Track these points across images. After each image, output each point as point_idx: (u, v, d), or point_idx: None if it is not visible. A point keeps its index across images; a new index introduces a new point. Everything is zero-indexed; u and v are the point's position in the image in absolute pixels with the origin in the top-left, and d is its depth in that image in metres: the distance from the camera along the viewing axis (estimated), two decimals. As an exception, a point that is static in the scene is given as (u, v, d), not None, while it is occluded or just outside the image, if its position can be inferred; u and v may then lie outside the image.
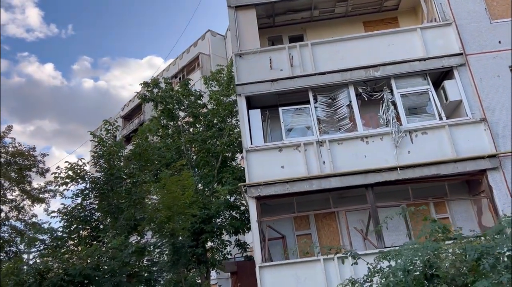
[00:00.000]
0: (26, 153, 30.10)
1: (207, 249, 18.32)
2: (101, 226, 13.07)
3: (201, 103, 21.80)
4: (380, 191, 10.22)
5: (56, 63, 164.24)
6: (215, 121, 21.74)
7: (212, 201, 18.02)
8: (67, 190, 13.10)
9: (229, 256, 20.08)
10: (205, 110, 22.07)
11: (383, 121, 10.49)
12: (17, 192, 30.26)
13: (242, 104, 10.86)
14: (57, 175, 12.85)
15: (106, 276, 11.62)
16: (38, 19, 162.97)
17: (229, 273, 24.15)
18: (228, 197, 19.29)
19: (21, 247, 30.65)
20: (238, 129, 22.09)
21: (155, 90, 21.86)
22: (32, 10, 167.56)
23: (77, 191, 13.34)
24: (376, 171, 9.85)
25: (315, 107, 10.71)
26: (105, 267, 11.44)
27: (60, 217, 12.87)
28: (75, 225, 13.04)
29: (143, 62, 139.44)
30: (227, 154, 21.15)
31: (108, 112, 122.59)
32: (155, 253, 13.04)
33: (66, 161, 13.91)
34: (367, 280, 5.86)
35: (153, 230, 13.13)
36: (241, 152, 22.50)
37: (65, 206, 13.05)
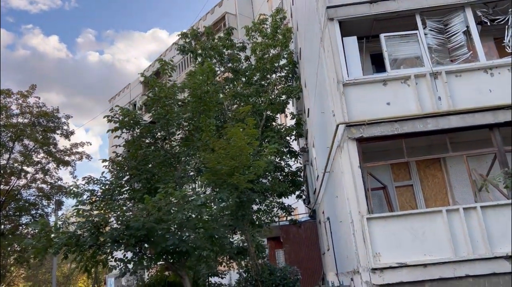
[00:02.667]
0: (50, 114, 28.53)
1: (253, 211, 16.82)
2: (156, 178, 11.48)
3: (244, 56, 19.88)
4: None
5: (60, 35, 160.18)
6: (255, 79, 19.85)
7: (257, 160, 16.34)
8: (119, 137, 11.44)
9: (276, 219, 18.64)
10: (246, 64, 20.18)
11: (509, 49, 8.60)
12: (42, 154, 28.88)
13: (335, 30, 8.93)
14: (110, 118, 11.14)
15: (170, 230, 10.08)
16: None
17: (266, 239, 22.79)
18: (272, 157, 17.69)
19: (48, 209, 29.49)
20: (283, 85, 20.29)
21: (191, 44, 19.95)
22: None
23: (130, 139, 11.71)
24: (506, 108, 8.04)
25: (425, 34, 8.81)
26: (169, 221, 9.88)
27: (112, 167, 11.31)
28: (127, 176, 11.48)
29: (147, 35, 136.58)
30: (269, 113, 19.40)
31: (115, 84, 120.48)
32: (216, 207, 11.39)
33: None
34: None
35: (214, 183, 11.50)
36: (283, 112, 20.77)
37: (118, 155, 11.44)
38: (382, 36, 8.87)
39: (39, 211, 28.27)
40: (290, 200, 20.84)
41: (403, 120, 8.20)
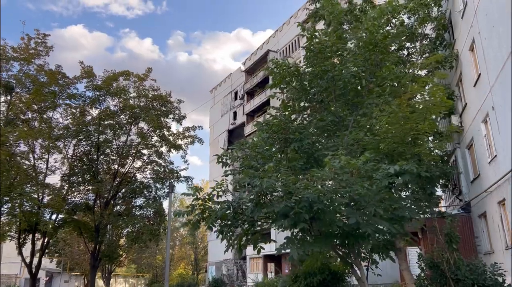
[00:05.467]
0: (164, 98, 28.34)
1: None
2: (318, 145, 9.41)
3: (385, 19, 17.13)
4: None
5: (153, 38, 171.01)
6: (392, 48, 16.96)
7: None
8: (277, 97, 9.57)
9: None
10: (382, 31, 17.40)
11: None
12: (155, 138, 28.89)
13: None
14: (272, 68, 9.33)
15: (350, 205, 7.94)
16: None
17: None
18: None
19: (160, 192, 29.39)
20: (428, 55, 17.20)
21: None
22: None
23: (286, 99, 9.83)
24: None
25: None
26: (349, 194, 7.72)
27: (267, 131, 9.49)
28: (282, 140, 9.58)
29: (232, 36, 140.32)
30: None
31: (203, 83, 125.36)
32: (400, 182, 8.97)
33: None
34: None
35: (388, 153, 9.15)
36: (424, 86, 17.60)
37: (272, 115, 9.58)
38: None
39: (152, 193, 28.31)
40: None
41: None
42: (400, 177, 8.35)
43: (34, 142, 24.66)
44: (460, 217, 16.80)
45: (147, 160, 27.85)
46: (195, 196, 8.24)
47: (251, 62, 44.31)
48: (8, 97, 23.81)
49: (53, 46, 24.55)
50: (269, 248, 36.76)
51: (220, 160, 9.57)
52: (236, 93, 46.53)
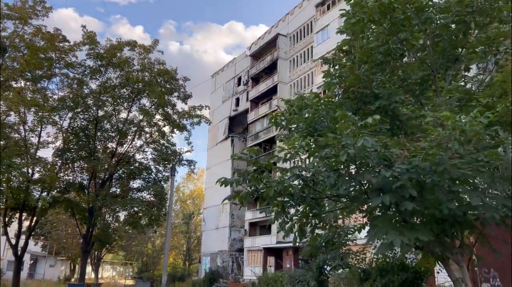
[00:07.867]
0: (171, 73, 25.78)
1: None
2: (403, 107, 7.18)
3: None
4: None
5: (145, 26, 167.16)
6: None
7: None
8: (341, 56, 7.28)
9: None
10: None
11: None
12: (158, 117, 26.42)
13: None
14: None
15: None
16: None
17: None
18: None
19: (160, 175, 26.98)
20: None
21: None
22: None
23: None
24: None
25: None
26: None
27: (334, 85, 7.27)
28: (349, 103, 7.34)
29: (224, 28, 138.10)
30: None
31: (194, 73, 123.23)
32: None
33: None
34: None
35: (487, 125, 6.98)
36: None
37: (342, 64, 7.25)
38: None
39: (152, 175, 25.92)
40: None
41: None
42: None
43: (26, 112, 22.04)
44: None
45: (149, 139, 25.36)
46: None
47: (258, 47, 41.91)
48: (0, 60, 21.10)
49: (52, 7, 21.84)
50: (269, 241, 34.90)
51: (273, 120, 7.35)
52: (239, 79, 44.09)
